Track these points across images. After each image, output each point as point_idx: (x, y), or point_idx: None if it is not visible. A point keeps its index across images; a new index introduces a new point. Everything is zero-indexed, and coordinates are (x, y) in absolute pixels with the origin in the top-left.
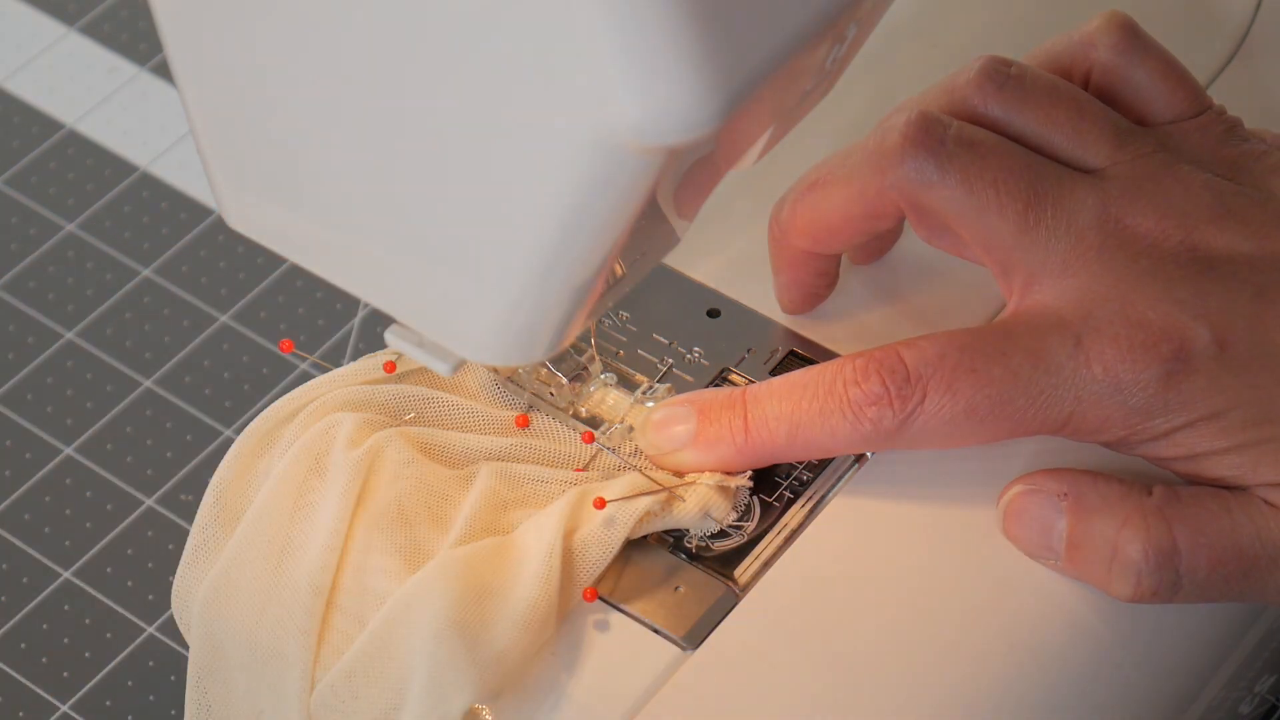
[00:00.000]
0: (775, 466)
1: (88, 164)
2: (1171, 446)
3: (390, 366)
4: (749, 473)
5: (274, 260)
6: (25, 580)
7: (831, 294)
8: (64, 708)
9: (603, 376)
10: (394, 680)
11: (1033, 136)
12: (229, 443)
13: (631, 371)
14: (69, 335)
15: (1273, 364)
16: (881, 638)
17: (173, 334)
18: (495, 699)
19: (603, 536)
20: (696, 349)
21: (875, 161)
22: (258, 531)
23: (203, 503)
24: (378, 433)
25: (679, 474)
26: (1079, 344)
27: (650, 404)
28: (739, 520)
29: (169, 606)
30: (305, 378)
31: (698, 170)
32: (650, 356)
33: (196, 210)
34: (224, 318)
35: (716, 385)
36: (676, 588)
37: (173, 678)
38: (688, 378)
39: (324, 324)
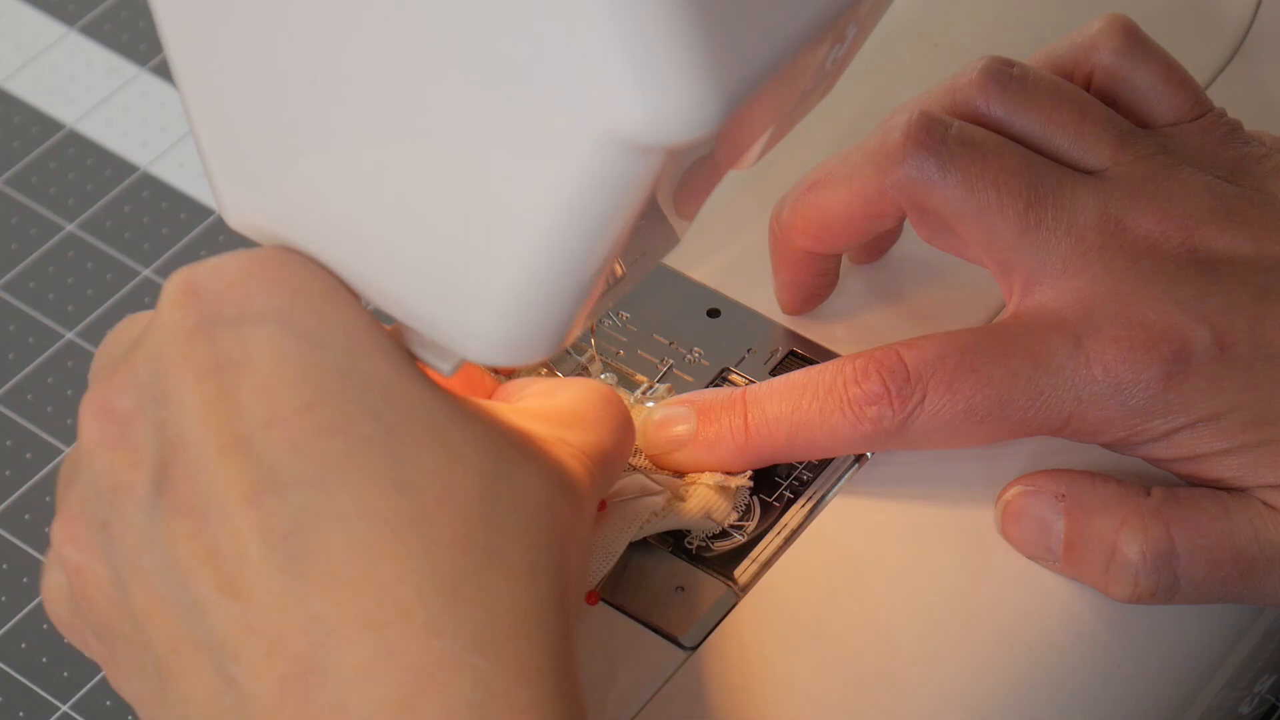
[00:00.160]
0: (775, 466)
1: (88, 164)
2: (1171, 448)
3: None
4: (749, 473)
5: None
6: (25, 580)
7: (831, 294)
8: (64, 708)
9: (603, 376)
10: None
11: (1034, 137)
12: None
13: (631, 371)
14: (69, 335)
15: (1273, 365)
16: (881, 638)
17: None
18: None
19: (606, 541)
20: (696, 349)
21: (877, 161)
22: None
23: None
24: None
25: (679, 474)
26: (1079, 345)
27: (650, 404)
28: (739, 520)
29: None
30: None
31: (698, 170)
32: (650, 356)
33: (196, 210)
34: None
35: (716, 385)
36: (676, 588)
37: None
38: (688, 378)
39: None
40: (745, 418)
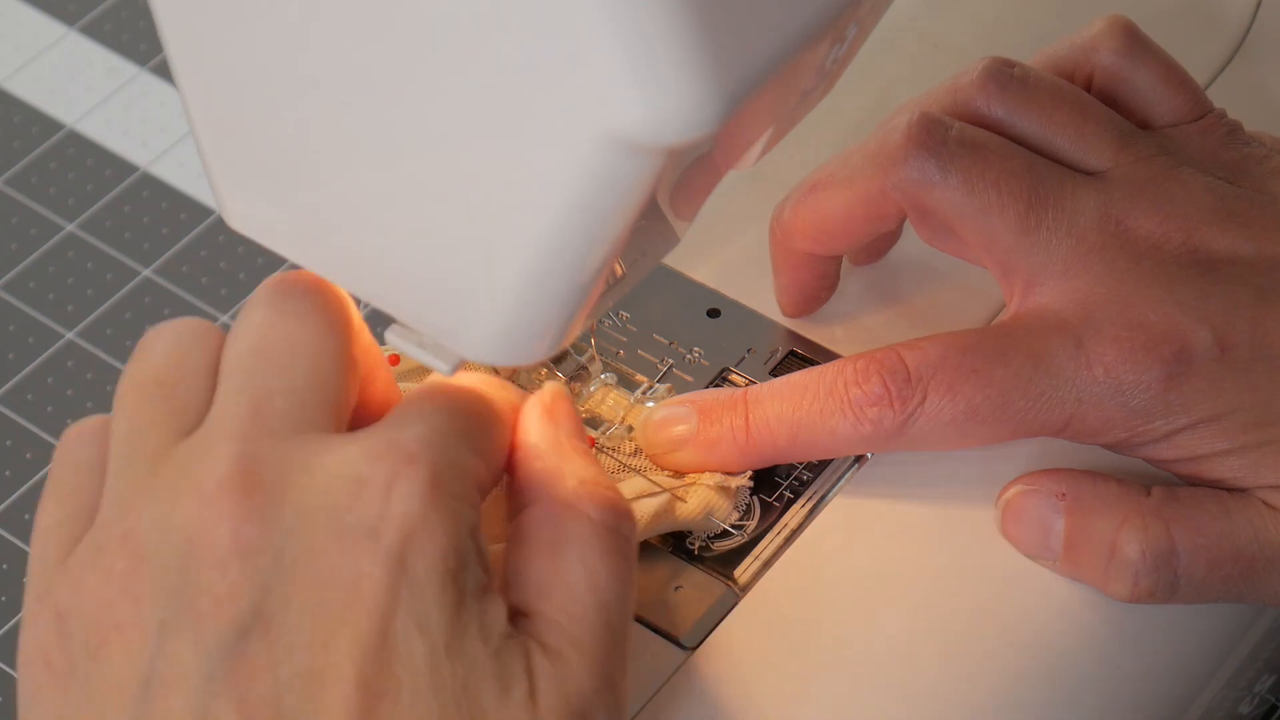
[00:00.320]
0: (775, 467)
1: (88, 164)
2: (1172, 448)
3: (394, 360)
4: (749, 473)
5: (274, 260)
6: (25, 580)
7: (831, 296)
8: None
9: (603, 376)
10: None
11: (1035, 138)
12: None
13: (631, 371)
14: (69, 335)
15: (1273, 366)
16: (881, 638)
17: None
18: None
19: None
20: (696, 349)
21: (877, 162)
22: None
23: None
24: None
25: (679, 474)
26: (1080, 346)
27: (650, 404)
28: (739, 520)
29: None
30: None
31: (698, 170)
32: (650, 356)
33: (196, 210)
34: (224, 318)
35: (716, 385)
36: (676, 588)
37: None
38: (688, 378)
39: None
40: (746, 418)
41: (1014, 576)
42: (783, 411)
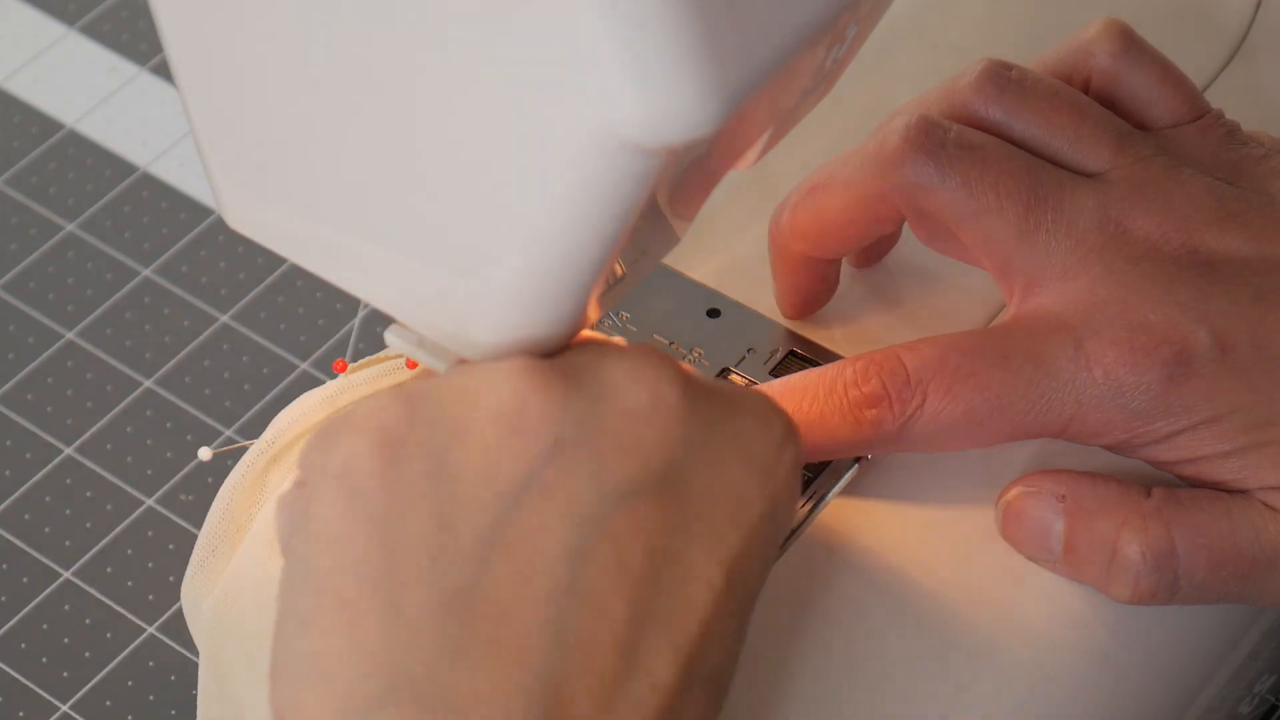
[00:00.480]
0: None
1: (88, 164)
2: (1172, 450)
3: (411, 364)
4: None
5: (274, 260)
6: (25, 580)
7: (831, 298)
8: (64, 708)
9: None
10: None
11: (1033, 140)
12: (230, 442)
13: None
14: (69, 335)
15: (1273, 366)
16: (881, 638)
17: (173, 334)
18: None
19: None
20: (696, 349)
21: (876, 165)
22: (258, 552)
23: (210, 512)
24: None
25: None
26: (1080, 347)
27: None
28: None
29: (169, 606)
30: (305, 377)
31: (697, 170)
32: None
33: (196, 210)
34: (224, 318)
35: None
36: None
37: (173, 678)
38: None
39: (324, 324)
40: None
41: (1014, 577)
42: None
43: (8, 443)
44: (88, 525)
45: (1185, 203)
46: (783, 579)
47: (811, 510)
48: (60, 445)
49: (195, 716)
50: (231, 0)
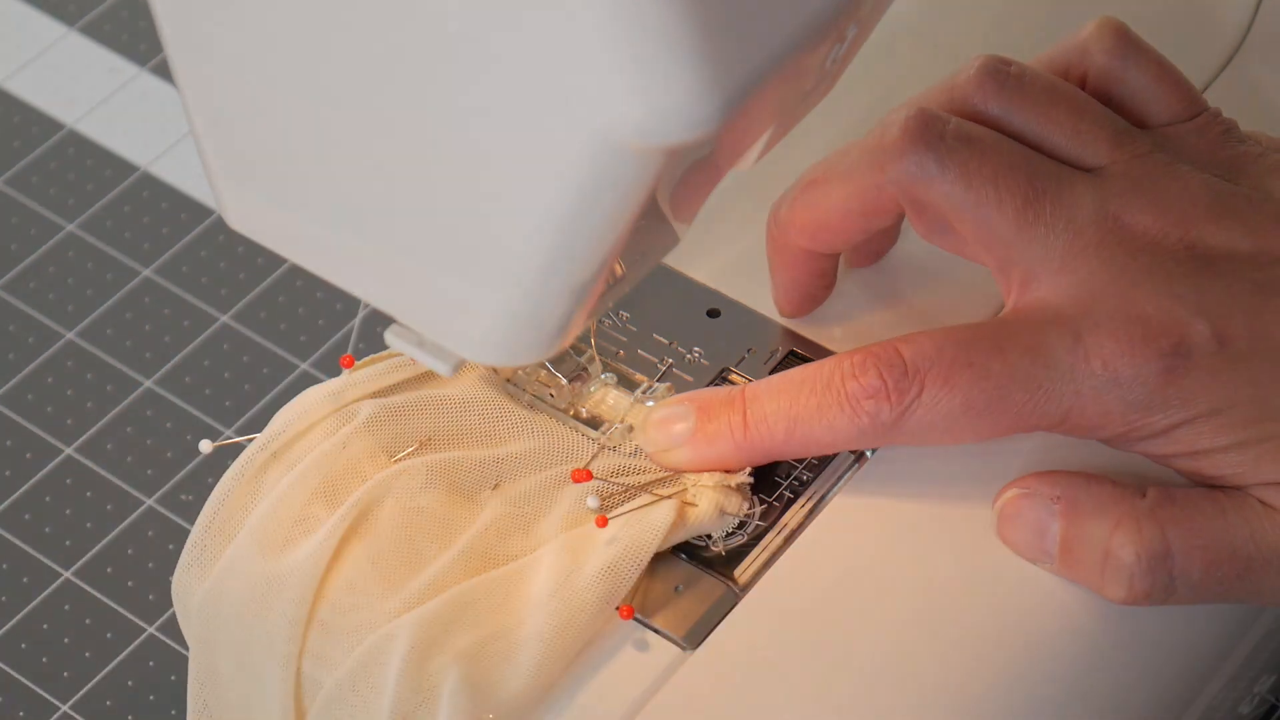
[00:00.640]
0: (775, 466)
1: (88, 164)
2: (1171, 443)
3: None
4: (748, 470)
5: (274, 260)
6: (25, 580)
7: (830, 296)
8: (64, 708)
9: (603, 376)
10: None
11: (1032, 135)
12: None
13: (631, 371)
14: (69, 335)
15: (1273, 359)
16: (881, 638)
17: (173, 334)
18: None
19: (630, 555)
20: (696, 349)
21: (874, 158)
22: (250, 550)
23: (205, 507)
24: (386, 471)
25: (678, 474)
26: (1078, 339)
27: (650, 403)
28: (750, 511)
29: (169, 606)
30: (305, 377)
31: (697, 170)
32: (650, 356)
33: (196, 210)
34: (224, 318)
35: (717, 385)
36: (676, 588)
37: (173, 678)
38: (688, 378)
39: (324, 324)
40: (744, 414)
41: (1014, 577)
42: (780, 407)
43: (8, 443)
44: (88, 525)
45: (1182, 197)
46: (782, 579)
47: (811, 510)
48: (60, 445)
49: None
50: (232, 1)
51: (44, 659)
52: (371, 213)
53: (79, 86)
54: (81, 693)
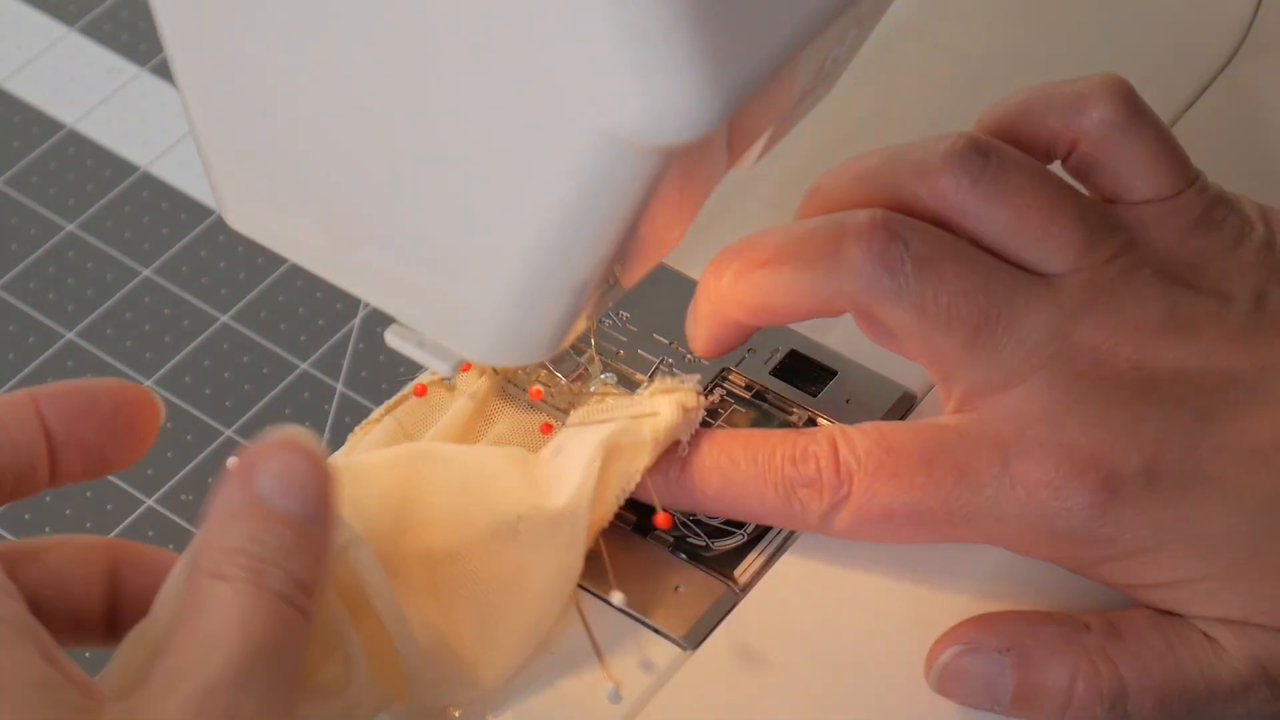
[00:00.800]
0: None
1: (88, 164)
2: (1106, 574)
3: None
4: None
5: (274, 260)
6: None
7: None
8: None
9: (603, 376)
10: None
11: (997, 237)
12: (229, 443)
13: (631, 371)
14: (69, 335)
15: (1207, 492)
16: (881, 638)
17: (173, 334)
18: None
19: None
20: None
21: (830, 264)
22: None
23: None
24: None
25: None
26: (1006, 465)
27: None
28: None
29: None
30: (305, 377)
31: (697, 170)
32: (650, 356)
33: (196, 210)
34: (224, 318)
35: (717, 386)
36: (676, 588)
37: None
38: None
39: (324, 324)
40: (690, 456)
41: (1014, 577)
42: (719, 463)
43: None
44: (88, 525)
45: (1137, 311)
46: (782, 579)
47: None
48: None
49: None
50: (232, 1)
51: None
52: (371, 212)
53: (79, 86)
54: None
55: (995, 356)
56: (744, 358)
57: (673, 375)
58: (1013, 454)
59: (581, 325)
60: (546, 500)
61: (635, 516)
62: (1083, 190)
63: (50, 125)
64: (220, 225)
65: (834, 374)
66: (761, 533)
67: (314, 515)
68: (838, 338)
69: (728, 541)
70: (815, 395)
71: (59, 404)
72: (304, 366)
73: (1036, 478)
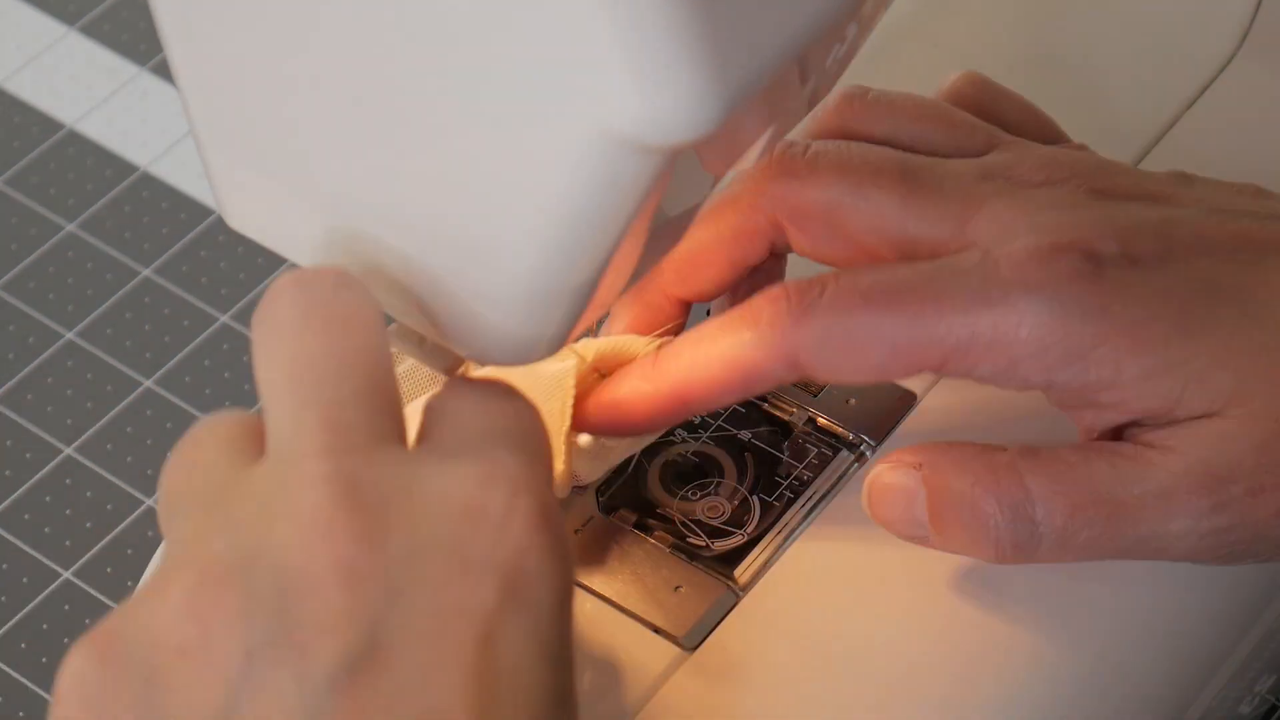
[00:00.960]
0: (775, 466)
1: (88, 164)
2: (1092, 368)
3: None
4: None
5: (274, 260)
6: (25, 580)
7: None
8: None
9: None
10: None
11: (903, 136)
12: None
13: None
14: (69, 335)
15: (1186, 272)
16: (881, 638)
17: (173, 334)
18: None
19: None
20: None
21: (742, 184)
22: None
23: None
24: None
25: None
26: (987, 253)
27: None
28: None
29: None
30: None
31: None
32: None
33: (196, 210)
34: (224, 318)
35: None
36: (676, 588)
37: None
38: None
39: None
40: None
41: (1014, 578)
42: (686, 336)
43: (8, 443)
44: (88, 525)
45: (1070, 162)
46: (782, 579)
47: (811, 510)
48: (60, 445)
49: None
50: (232, 1)
51: (44, 659)
52: (370, 213)
53: (79, 86)
54: None
55: (935, 200)
56: None
57: None
58: (992, 246)
59: (582, 325)
60: None
61: (635, 516)
62: None
63: (50, 125)
64: (220, 225)
65: None
66: (761, 532)
67: None
68: None
69: (728, 541)
70: (815, 395)
71: None
72: None
73: (1020, 255)
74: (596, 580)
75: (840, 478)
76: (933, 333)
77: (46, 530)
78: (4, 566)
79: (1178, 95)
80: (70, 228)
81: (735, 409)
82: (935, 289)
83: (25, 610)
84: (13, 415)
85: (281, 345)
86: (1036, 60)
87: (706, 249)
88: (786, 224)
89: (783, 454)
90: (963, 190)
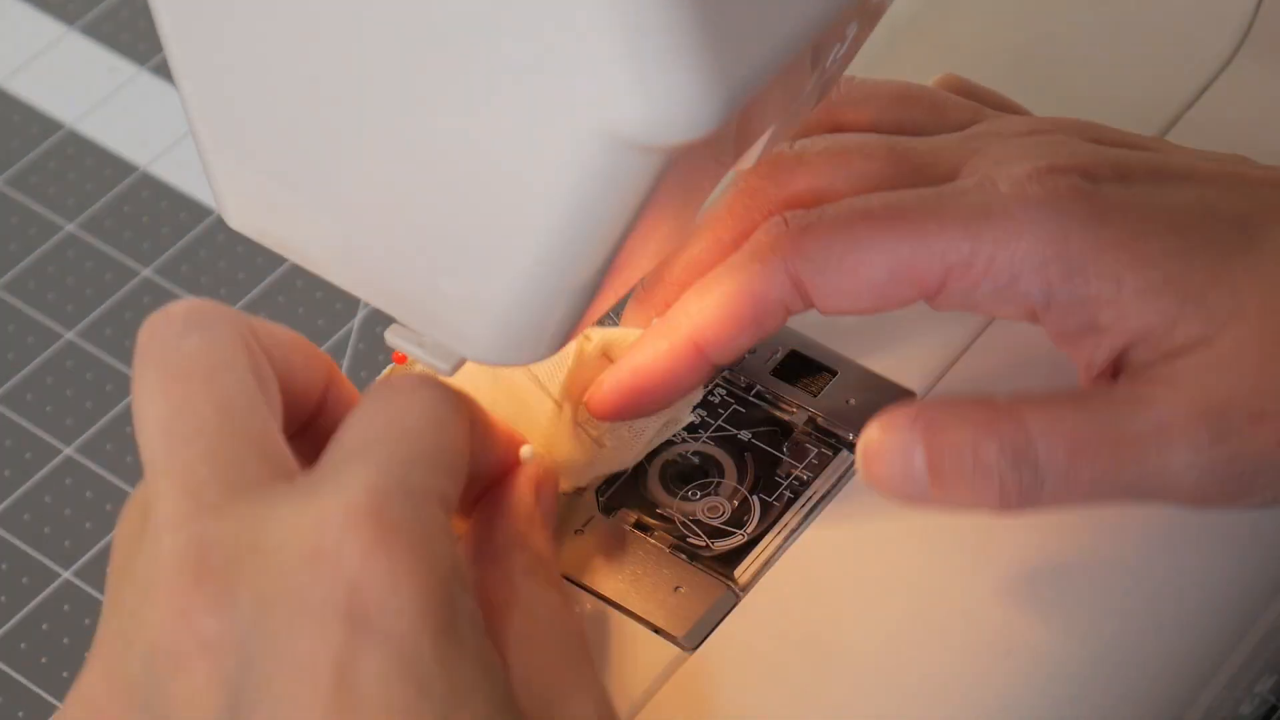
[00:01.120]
0: (775, 467)
1: (88, 164)
2: (1093, 281)
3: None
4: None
5: (274, 260)
6: (25, 580)
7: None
8: None
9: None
10: None
11: (890, 119)
12: None
13: None
14: (69, 335)
15: (1181, 187)
16: (881, 638)
17: None
18: None
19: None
20: None
21: (752, 250)
22: None
23: None
24: None
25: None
26: (985, 175)
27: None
28: (738, 521)
29: None
30: None
31: (698, 169)
32: None
33: (196, 210)
34: None
35: (716, 385)
36: (676, 588)
37: None
38: None
39: (324, 324)
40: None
41: (1014, 577)
42: (691, 291)
43: (8, 443)
44: (88, 525)
45: (1055, 121)
46: (782, 579)
47: (811, 510)
48: (60, 445)
49: None
50: (232, 1)
51: (44, 659)
52: (371, 212)
53: (79, 86)
54: None
55: (923, 153)
56: (744, 358)
57: None
58: (988, 170)
59: (582, 325)
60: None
61: (635, 516)
62: None
63: (50, 125)
64: (220, 225)
65: (834, 374)
66: (761, 532)
67: None
68: (838, 338)
69: (728, 542)
70: (815, 395)
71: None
72: None
73: (1018, 173)
74: (596, 580)
75: (840, 478)
76: (933, 248)
77: (46, 530)
78: (4, 566)
79: (1178, 95)
80: (70, 228)
81: (735, 409)
82: (936, 207)
83: (25, 610)
84: (13, 415)
85: (139, 411)
86: (1036, 60)
87: (726, 318)
88: (801, 276)
89: (783, 454)
90: (951, 150)
